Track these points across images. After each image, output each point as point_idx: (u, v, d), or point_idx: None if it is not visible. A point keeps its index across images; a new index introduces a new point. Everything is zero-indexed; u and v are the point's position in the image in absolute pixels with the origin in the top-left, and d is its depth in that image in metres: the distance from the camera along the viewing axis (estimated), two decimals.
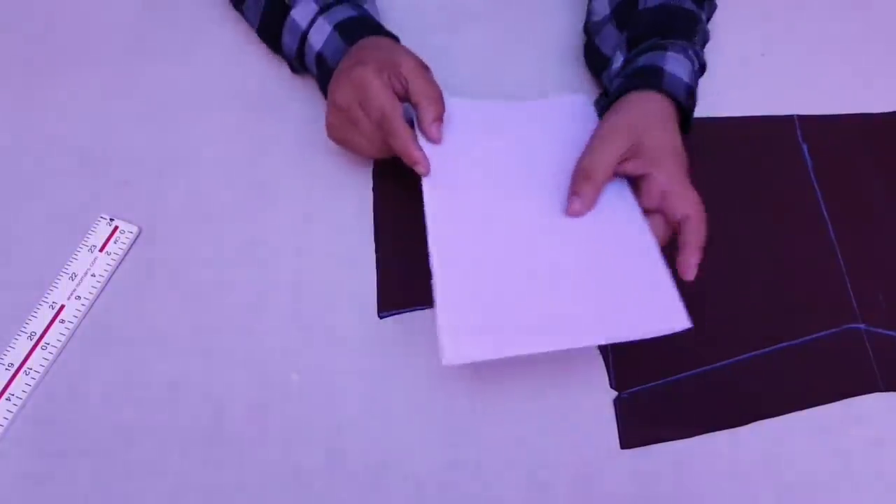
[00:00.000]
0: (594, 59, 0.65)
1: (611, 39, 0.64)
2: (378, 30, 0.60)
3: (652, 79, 0.56)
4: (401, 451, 0.51)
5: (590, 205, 0.53)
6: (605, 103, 0.59)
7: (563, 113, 0.62)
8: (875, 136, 0.64)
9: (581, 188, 0.53)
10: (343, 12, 0.59)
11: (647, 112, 0.55)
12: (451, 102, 0.57)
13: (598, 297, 0.48)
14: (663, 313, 0.48)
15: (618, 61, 0.61)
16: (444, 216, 0.52)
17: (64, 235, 0.58)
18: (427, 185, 0.53)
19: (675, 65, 0.57)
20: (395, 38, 0.60)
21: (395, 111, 0.53)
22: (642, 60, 0.58)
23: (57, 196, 0.60)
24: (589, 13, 0.67)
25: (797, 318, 0.56)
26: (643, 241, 0.51)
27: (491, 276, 0.49)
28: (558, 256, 0.51)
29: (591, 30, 0.66)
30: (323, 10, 0.59)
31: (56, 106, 0.64)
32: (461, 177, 0.55)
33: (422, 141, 0.55)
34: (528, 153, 0.58)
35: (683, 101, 0.56)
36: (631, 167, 0.53)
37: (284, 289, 0.56)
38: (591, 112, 0.62)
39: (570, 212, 0.53)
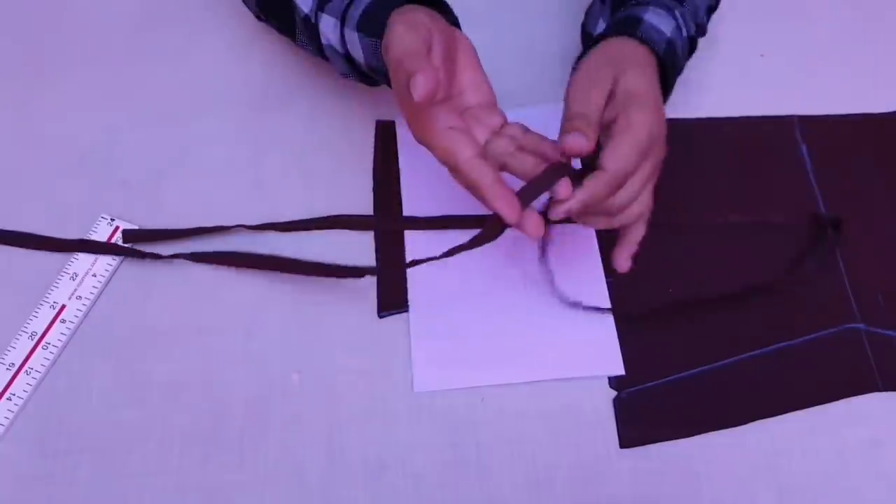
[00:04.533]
0: (586, 43, 0.60)
1: (595, 16, 0.60)
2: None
3: (627, 27, 0.52)
4: (401, 450, 0.51)
5: (591, 143, 0.46)
6: (577, 59, 0.54)
7: (540, 123, 0.63)
8: (874, 137, 0.64)
9: (580, 126, 0.46)
10: (357, 6, 0.51)
11: (624, 55, 0.50)
12: None
13: (552, 337, 0.54)
14: (605, 360, 0.54)
15: (599, 28, 0.58)
16: (421, 253, 0.53)
17: (65, 235, 0.58)
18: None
19: (655, 18, 0.53)
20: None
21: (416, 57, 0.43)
22: (619, 15, 0.55)
23: (58, 196, 0.60)
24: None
25: (796, 317, 0.56)
26: (599, 290, 0.56)
27: (459, 313, 0.55)
28: (520, 295, 0.55)
29: (585, 24, 0.63)
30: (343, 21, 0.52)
31: (56, 106, 0.64)
32: (436, 204, 0.58)
33: (402, 161, 0.59)
34: None
35: (661, 52, 0.51)
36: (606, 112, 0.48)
37: (285, 289, 0.56)
38: None
39: (571, 148, 0.45)
